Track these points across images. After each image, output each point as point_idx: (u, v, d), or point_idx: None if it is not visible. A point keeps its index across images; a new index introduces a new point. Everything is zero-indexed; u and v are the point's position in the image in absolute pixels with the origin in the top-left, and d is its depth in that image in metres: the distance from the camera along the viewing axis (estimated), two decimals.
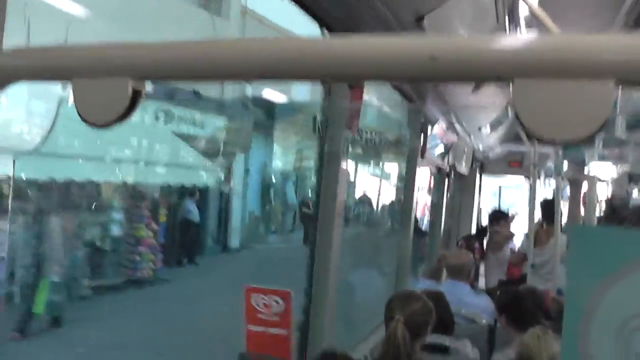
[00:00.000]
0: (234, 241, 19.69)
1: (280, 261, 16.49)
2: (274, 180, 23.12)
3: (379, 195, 23.80)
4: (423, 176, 9.12)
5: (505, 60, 0.76)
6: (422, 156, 5.28)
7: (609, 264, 0.90)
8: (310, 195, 21.80)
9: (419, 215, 11.85)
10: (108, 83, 0.96)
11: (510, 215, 8.29)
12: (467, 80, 0.82)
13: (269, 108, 20.32)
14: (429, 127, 5.15)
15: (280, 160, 23.71)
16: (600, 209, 5.66)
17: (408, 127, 5.01)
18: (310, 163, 23.27)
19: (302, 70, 0.89)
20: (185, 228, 17.11)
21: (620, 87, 0.73)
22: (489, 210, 9.01)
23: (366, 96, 3.13)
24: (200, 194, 17.66)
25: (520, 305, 3.82)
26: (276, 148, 23.13)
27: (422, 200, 11.34)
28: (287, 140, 23.11)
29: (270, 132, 21.85)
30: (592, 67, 0.73)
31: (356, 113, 3.02)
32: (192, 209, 17.31)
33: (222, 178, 18.36)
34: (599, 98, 0.73)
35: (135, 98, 0.96)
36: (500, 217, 7.94)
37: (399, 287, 5.17)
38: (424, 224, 10.90)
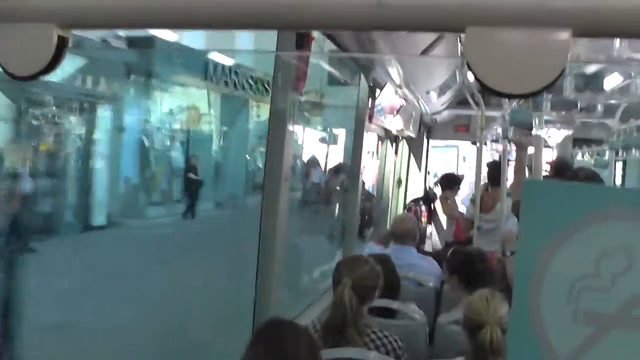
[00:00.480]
0: (99, 217, 15.63)
1: (153, 242, 14.29)
2: (157, 141, 18.98)
3: (327, 159, 22.67)
4: (371, 141, 9.10)
5: (457, 7, 0.71)
6: (370, 120, 5.25)
7: (560, 221, 0.87)
8: (198, 158, 19.65)
9: (371, 182, 11.81)
10: (31, 30, 0.88)
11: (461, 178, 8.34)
12: (415, 29, 0.77)
13: (151, 51, 16.37)
14: (377, 91, 5.11)
15: (168, 116, 19.57)
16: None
17: (356, 91, 4.97)
18: (206, 121, 21.13)
19: (247, 18, 0.83)
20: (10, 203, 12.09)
21: (576, 37, 0.69)
22: (442, 174, 8.99)
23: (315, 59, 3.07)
24: (49, 159, 14.27)
25: (472, 266, 3.84)
26: (160, 101, 19.02)
27: (372, 165, 11.30)
28: (174, 92, 19.24)
29: (153, 81, 17.77)
30: (548, 15, 0.69)
31: (303, 74, 2.96)
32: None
33: (82, 137, 15.38)
34: (555, 48, 0.69)
35: (61, 47, 0.89)
36: (453, 182, 7.95)
37: (346, 252, 5.17)
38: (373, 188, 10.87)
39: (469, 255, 3.99)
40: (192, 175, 18.77)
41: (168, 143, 19.55)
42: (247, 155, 22.07)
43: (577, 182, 1.57)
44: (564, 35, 0.69)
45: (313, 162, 19.37)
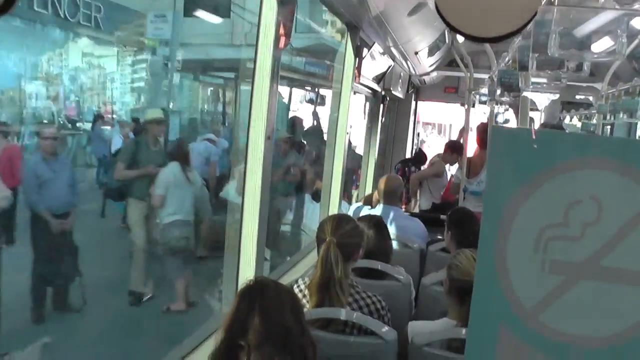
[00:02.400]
0: None
1: None
2: None
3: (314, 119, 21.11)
4: (359, 102, 9.03)
5: None
6: (357, 80, 5.19)
7: (529, 169, 0.84)
8: None
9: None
10: None
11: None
12: None
13: None
14: (365, 50, 5.04)
15: None
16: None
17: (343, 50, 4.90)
18: None
19: None
20: None
21: None
22: (448, 140, 8.95)
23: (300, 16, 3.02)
24: None
25: (472, 224, 3.87)
26: None
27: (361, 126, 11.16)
28: None
29: None
30: None
31: (287, 31, 2.91)
32: None
33: None
34: None
35: None
36: (458, 148, 7.85)
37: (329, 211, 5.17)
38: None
39: (470, 214, 4.04)
40: None
41: None
42: None
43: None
44: None
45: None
